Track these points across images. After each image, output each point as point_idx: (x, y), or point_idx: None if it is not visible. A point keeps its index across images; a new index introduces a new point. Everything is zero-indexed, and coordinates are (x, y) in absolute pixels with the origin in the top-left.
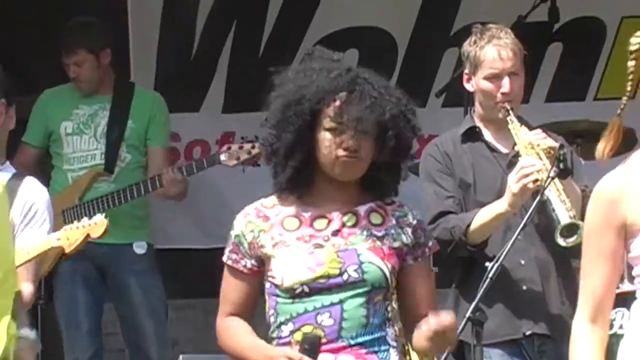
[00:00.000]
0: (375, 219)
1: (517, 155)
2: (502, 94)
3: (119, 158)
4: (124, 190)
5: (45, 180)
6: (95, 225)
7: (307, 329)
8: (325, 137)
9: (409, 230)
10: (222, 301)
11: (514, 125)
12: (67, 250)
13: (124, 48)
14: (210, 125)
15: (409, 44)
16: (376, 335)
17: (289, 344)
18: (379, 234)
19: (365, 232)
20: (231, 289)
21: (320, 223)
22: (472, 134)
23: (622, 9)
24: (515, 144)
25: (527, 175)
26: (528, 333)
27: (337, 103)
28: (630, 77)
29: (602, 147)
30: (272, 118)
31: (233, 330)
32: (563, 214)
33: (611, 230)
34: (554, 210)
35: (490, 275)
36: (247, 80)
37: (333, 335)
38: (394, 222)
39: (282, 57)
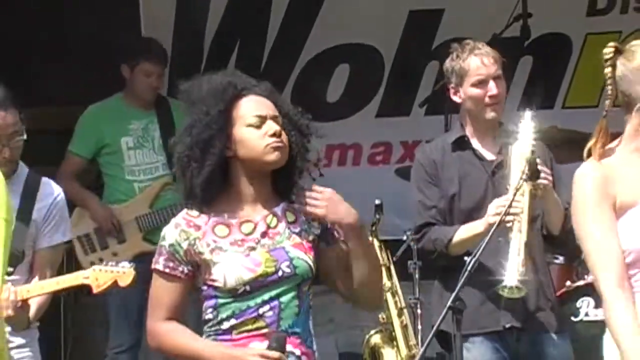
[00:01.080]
0: (290, 217)
1: (500, 163)
2: (490, 96)
3: None
4: None
5: (88, 185)
6: (124, 274)
7: (249, 323)
8: (249, 132)
9: (315, 222)
10: (156, 307)
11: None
12: (95, 291)
13: None
14: None
15: (394, 58)
16: (305, 325)
17: (229, 335)
18: (296, 231)
19: (287, 231)
20: (166, 294)
21: (247, 227)
22: (461, 143)
23: (587, 26)
24: (500, 151)
25: (505, 213)
26: (507, 326)
27: (249, 100)
28: (609, 82)
29: (592, 146)
30: (183, 130)
31: (178, 333)
32: (513, 273)
33: (608, 205)
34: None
35: (468, 269)
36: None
37: (274, 326)
38: (303, 218)
39: (281, 71)
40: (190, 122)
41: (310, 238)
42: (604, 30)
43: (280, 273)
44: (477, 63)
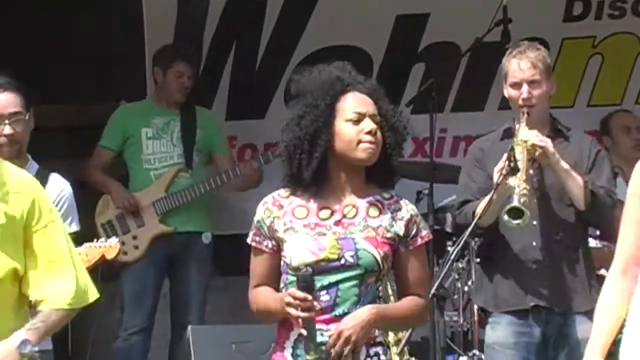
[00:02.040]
0: (373, 211)
1: (512, 149)
2: (522, 99)
3: (194, 158)
4: (202, 183)
5: (118, 176)
6: (110, 247)
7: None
8: (346, 127)
9: (402, 223)
10: (251, 277)
11: (521, 125)
12: (85, 266)
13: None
14: None
15: (382, 60)
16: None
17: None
18: (374, 225)
19: (362, 223)
20: (258, 265)
21: (324, 213)
22: (509, 133)
23: (563, 31)
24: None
25: (500, 170)
26: (532, 304)
27: (353, 97)
28: None
29: None
30: (292, 119)
31: (260, 294)
32: (515, 198)
33: (637, 199)
34: (511, 194)
35: (450, 257)
36: (246, 91)
37: (328, 310)
38: (389, 214)
39: (275, 70)
40: (300, 112)
41: (389, 235)
42: (579, 35)
43: (342, 261)
44: (515, 67)
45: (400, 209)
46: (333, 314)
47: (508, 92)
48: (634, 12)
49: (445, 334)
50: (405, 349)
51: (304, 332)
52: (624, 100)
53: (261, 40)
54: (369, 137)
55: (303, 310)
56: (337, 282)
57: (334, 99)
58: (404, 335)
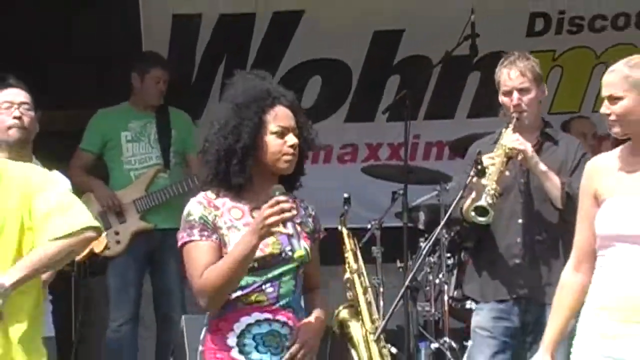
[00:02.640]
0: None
1: (479, 153)
2: (513, 105)
3: (170, 159)
4: (180, 183)
5: (100, 177)
6: (99, 242)
7: (253, 295)
8: (272, 140)
9: (311, 219)
10: (195, 270)
11: (507, 130)
12: (76, 258)
13: None
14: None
15: (361, 72)
16: (299, 302)
17: (235, 306)
18: (298, 222)
19: (290, 221)
20: (204, 257)
21: (257, 213)
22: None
23: (526, 45)
24: (534, 145)
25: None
26: (513, 296)
27: (278, 111)
28: None
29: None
30: (225, 124)
31: (215, 266)
32: (483, 197)
33: (589, 196)
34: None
35: (422, 252)
36: None
37: (273, 300)
38: (302, 212)
39: None
40: (234, 122)
41: (307, 230)
42: (540, 49)
43: (283, 254)
44: (505, 76)
45: (307, 207)
46: (278, 304)
47: (501, 99)
48: (591, 28)
49: (418, 323)
50: (382, 336)
51: (291, 231)
52: (582, 108)
53: (250, 53)
54: (291, 150)
55: (285, 210)
56: (280, 275)
57: (263, 112)
58: (381, 324)
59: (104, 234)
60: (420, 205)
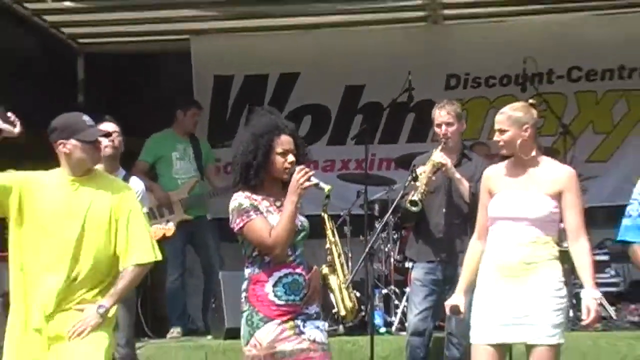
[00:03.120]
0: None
1: (413, 165)
2: (442, 134)
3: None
4: (208, 192)
5: (152, 179)
6: (168, 229)
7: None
8: (278, 158)
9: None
10: (263, 234)
11: (436, 150)
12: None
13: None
14: None
15: (337, 113)
16: (305, 260)
17: (269, 266)
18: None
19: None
20: (265, 224)
21: (278, 203)
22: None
23: (445, 95)
24: (454, 162)
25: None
26: (438, 259)
27: (284, 138)
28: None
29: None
30: (248, 144)
31: (276, 226)
32: (417, 194)
33: (485, 193)
34: (415, 191)
35: (377, 231)
36: None
37: (292, 260)
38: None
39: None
40: (252, 147)
41: (306, 213)
42: (454, 98)
43: (300, 227)
44: (437, 114)
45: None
46: (296, 263)
47: (435, 129)
48: (486, 84)
49: (374, 277)
50: (350, 285)
51: (316, 181)
52: (480, 136)
53: (265, 101)
54: (289, 166)
55: (307, 173)
56: (295, 243)
57: (272, 139)
58: (349, 277)
59: (172, 225)
60: (376, 200)
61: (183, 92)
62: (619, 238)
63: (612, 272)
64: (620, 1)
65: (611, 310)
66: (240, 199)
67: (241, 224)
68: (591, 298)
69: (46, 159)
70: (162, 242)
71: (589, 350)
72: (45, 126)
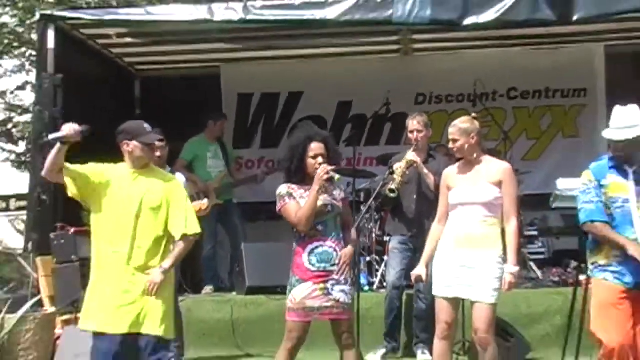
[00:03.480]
0: (334, 190)
1: (391, 162)
2: (414, 139)
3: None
4: (233, 182)
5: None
6: (204, 204)
7: (312, 232)
8: (310, 161)
9: (341, 192)
10: (292, 212)
11: (410, 151)
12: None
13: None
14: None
15: (332, 122)
16: (339, 235)
17: (304, 239)
18: (334, 193)
19: (332, 195)
20: (294, 207)
21: (309, 191)
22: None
23: (416, 109)
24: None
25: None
26: (410, 234)
27: (314, 145)
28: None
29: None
30: (288, 152)
31: (301, 208)
32: (394, 184)
33: (444, 187)
34: (393, 182)
35: (363, 212)
36: (271, 137)
37: (323, 234)
38: (338, 190)
39: (282, 128)
40: (291, 153)
41: (339, 198)
42: (421, 111)
43: (329, 208)
44: (410, 123)
45: (337, 188)
46: (326, 236)
47: (408, 134)
48: (446, 101)
49: (360, 247)
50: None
51: (330, 175)
52: (442, 140)
53: (277, 113)
54: (319, 166)
55: (325, 169)
56: (325, 220)
57: (305, 146)
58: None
59: (206, 201)
60: (362, 189)
61: (215, 107)
62: (586, 219)
63: (540, 244)
64: (545, 39)
65: (539, 273)
66: (282, 188)
67: (279, 207)
68: (509, 273)
69: (114, 157)
70: (201, 220)
71: (522, 302)
72: (112, 133)
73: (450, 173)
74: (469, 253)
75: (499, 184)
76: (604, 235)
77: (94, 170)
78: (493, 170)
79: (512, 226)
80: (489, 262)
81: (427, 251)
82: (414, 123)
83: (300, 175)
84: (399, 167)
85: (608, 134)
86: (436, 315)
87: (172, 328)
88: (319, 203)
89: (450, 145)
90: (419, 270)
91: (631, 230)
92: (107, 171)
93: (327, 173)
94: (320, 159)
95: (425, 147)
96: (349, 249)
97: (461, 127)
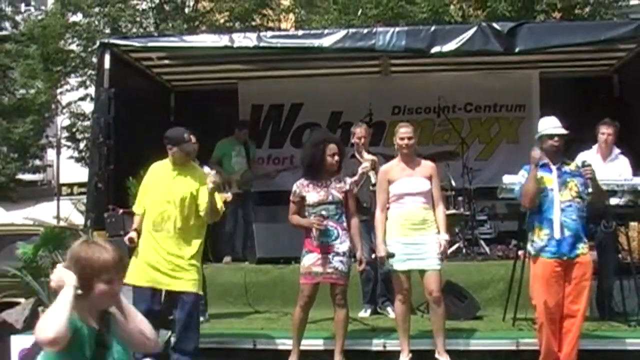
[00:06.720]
0: (336, 183)
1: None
2: (404, 144)
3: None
4: (253, 176)
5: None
6: (228, 195)
7: (317, 218)
8: (329, 158)
9: (346, 185)
10: (290, 211)
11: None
12: (219, 203)
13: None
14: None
15: (325, 127)
16: (341, 217)
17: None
18: (338, 186)
19: (334, 186)
20: (295, 208)
21: (320, 185)
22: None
23: (395, 119)
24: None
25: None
26: (363, 219)
27: (331, 146)
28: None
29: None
30: (310, 150)
31: (295, 217)
32: (373, 180)
33: (385, 181)
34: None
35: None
36: (278, 139)
37: (325, 217)
38: (342, 183)
39: (284, 133)
40: (310, 152)
41: (342, 190)
42: (396, 121)
43: (330, 199)
44: (400, 130)
45: (345, 182)
46: (327, 219)
47: (399, 141)
48: (416, 112)
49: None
50: None
51: (322, 228)
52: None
53: (282, 120)
54: (335, 162)
55: (319, 223)
56: (327, 207)
57: (324, 146)
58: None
59: (229, 193)
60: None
61: (232, 115)
62: (519, 190)
63: (488, 227)
64: (493, 65)
65: (487, 249)
66: (295, 185)
67: (290, 199)
68: (443, 240)
69: (158, 151)
70: (225, 205)
71: (474, 271)
72: (152, 135)
73: (389, 168)
74: (417, 233)
75: (430, 178)
76: (526, 184)
77: (144, 192)
78: (425, 167)
79: (440, 210)
80: (431, 239)
81: (380, 235)
82: (402, 131)
83: (318, 170)
84: (366, 167)
85: (549, 130)
86: (396, 286)
87: (201, 287)
88: (322, 196)
89: (406, 141)
90: (381, 252)
91: (552, 211)
92: (153, 169)
93: (319, 224)
94: (336, 157)
95: (414, 151)
96: (353, 225)
97: (412, 129)
